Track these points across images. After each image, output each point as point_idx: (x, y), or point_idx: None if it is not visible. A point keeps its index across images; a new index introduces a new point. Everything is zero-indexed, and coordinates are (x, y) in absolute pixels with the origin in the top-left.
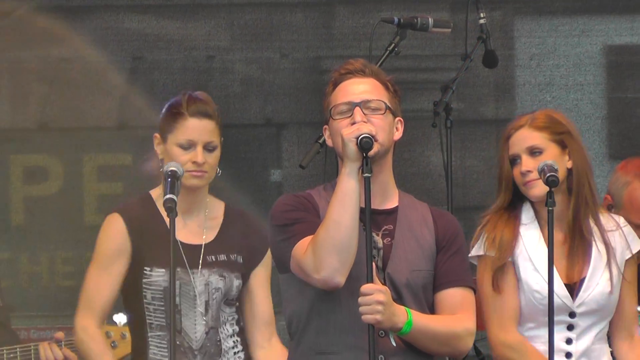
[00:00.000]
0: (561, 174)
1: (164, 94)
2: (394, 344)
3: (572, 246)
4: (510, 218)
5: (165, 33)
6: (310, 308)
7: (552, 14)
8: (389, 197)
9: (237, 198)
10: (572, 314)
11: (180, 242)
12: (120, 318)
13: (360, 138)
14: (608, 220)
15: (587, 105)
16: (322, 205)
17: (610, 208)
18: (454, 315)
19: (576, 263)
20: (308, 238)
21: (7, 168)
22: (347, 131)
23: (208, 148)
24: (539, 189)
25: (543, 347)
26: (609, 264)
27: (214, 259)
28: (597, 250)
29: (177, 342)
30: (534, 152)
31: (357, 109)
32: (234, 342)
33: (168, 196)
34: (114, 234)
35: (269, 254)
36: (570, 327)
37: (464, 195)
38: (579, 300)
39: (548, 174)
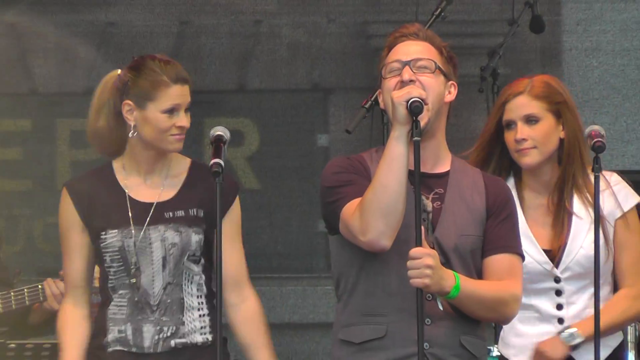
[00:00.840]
0: (553, 144)
1: (211, 58)
2: (441, 308)
3: (556, 213)
4: None
5: None
6: (359, 270)
7: None
8: (441, 161)
9: (283, 163)
10: (557, 279)
11: (134, 199)
12: None
13: (410, 102)
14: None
15: (633, 70)
16: (374, 168)
17: None
18: (501, 281)
19: (558, 228)
20: (357, 200)
21: (54, 132)
22: (397, 94)
23: (186, 111)
24: (532, 158)
25: (534, 315)
26: (594, 226)
27: (171, 215)
28: (580, 213)
29: (136, 299)
30: (530, 120)
31: (407, 67)
32: (199, 303)
33: (215, 160)
34: (62, 209)
35: (235, 206)
36: (558, 293)
37: None
38: (562, 265)
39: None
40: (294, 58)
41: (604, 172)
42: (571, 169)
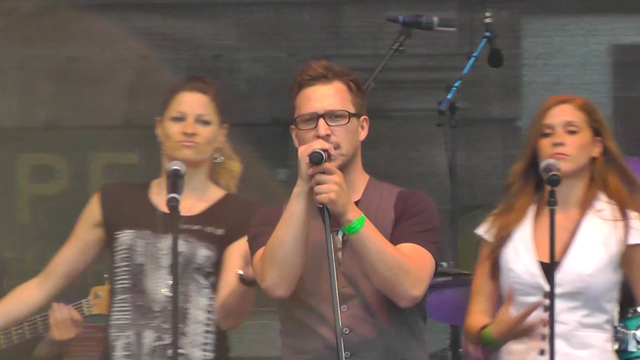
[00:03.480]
0: (585, 159)
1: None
2: (340, 239)
3: (570, 229)
4: (524, 204)
5: (172, 32)
6: (286, 310)
7: (558, 13)
8: (355, 191)
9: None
10: (546, 295)
11: (161, 210)
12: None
13: (310, 154)
14: (618, 211)
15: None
16: None
17: None
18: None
19: (562, 242)
20: (263, 249)
21: (14, 167)
22: (301, 149)
23: (200, 121)
24: (564, 165)
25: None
26: (595, 248)
27: (186, 227)
28: (586, 234)
29: (140, 303)
30: (570, 129)
31: (321, 120)
32: (207, 318)
33: (171, 195)
34: (88, 206)
35: None
36: (546, 309)
37: (470, 194)
38: (555, 281)
39: (551, 173)
40: (254, 92)
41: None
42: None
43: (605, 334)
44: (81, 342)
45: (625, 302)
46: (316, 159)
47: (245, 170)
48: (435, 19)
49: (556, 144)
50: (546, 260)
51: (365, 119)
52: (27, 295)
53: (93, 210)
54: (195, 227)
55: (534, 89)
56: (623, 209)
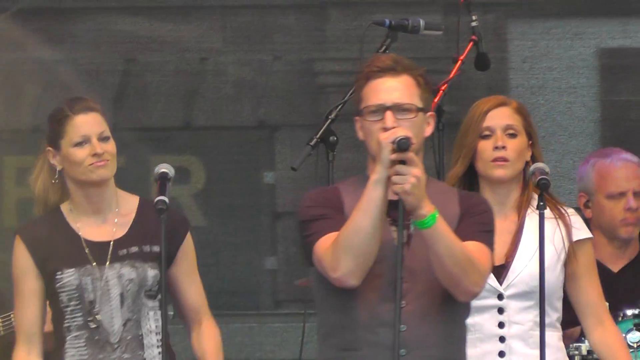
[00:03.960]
0: (521, 164)
1: (157, 95)
2: (392, 229)
3: (514, 231)
4: None
5: (158, 35)
6: (334, 304)
7: (545, 16)
8: None
9: (229, 201)
10: (500, 296)
11: (88, 240)
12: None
13: (397, 140)
14: (556, 210)
15: (580, 108)
16: (348, 202)
17: (587, 205)
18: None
19: (507, 244)
20: (330, 235)
21: (0, 169)
22: (384, 135)
23: (101, 138)
24: (505, 171)
25: (475, 336)
26: (541, 246)
27: (125, 252)
28: (530, 233)
29: (96, 337)
30: (510, 132)
31: (389, 113)
32: (157, 340)
33: (160, 198)
34: (16, 256)
35: (187, 240)
36: (500, 311)
37: None
38: (506, 281)
39: (540, 177)
40: (240, 95)
41: (562, 206)
42: (531, 191)
43: (558, 332)
44: None
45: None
46: (405, 145)
47: (232, 174)
48: (422, 23)
49: (497, 147)
50: (497, 262)
51: (431, 115)
52: None
53: (25, 260)
54: (133, 249)
55: (520, 93)
56: (555, 206)
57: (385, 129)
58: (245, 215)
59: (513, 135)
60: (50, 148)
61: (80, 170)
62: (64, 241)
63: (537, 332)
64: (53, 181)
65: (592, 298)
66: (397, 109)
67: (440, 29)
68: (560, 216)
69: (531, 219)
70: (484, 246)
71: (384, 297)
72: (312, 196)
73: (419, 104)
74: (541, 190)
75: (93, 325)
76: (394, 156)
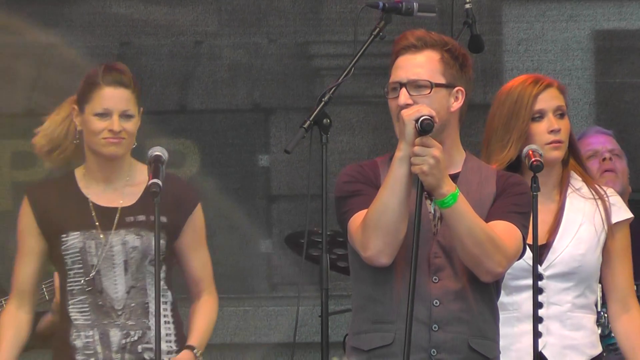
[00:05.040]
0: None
1: (152, 79)
2: (431, 211)
3: (555, 211)
4: None
5: (153, 18)
6: (369, 277)
7: None
8: (453, 164)
9: (224, 184)
10: (540, 276)
11: (97, 205)
12: None
13: (420, 120)
14: (595, 189)
15: (575, 90)
16: (384, 176)
17: None
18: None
19: (548, 224)
20: (362, 212)
21: None
22: (407, 112)
23: (124, 116)
24: (560, 152)
25: (513, 315)
26: (583, 227)
27: (132, 219)
28: (571, 213)
29: (100, 303)
30: (559, 113)
31: (403, 89)
32: (163, 309)
33: (153, 181)
34: (21, 213)
35: (196, 213)
36: (539, 291)
37: None
38: (546, 262)
39: (533, 159)
40: (235, 79)
41: (599, 185)
42: (579, 164)
43: (594, 316)
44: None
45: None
46: (428, 127)
47: (227, 157)
48: (415, 5)
49: (554, 131)
50: (539, 242)
51: (460, 90)
52: (18, 323)
53: (28, 219)
54: (140, 217)
55: (515, 75)
56: (593, 186)
57: (399, 106)
58: (240, 198)
59: (562, 116)
60: (75, 107)
61: (94, 140)
62: (72, 204)
63: (576, 314)
64: (75, 141)
65: (621, 282)
66: (412, 85)
67: (433, 11)
68: (600, 196)
69: (571, 199)
70: (514, 227)
71: (418, 270)
72: (348, 171)
73: (440, 80)
74: (534, 172)
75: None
76: (417, 140)
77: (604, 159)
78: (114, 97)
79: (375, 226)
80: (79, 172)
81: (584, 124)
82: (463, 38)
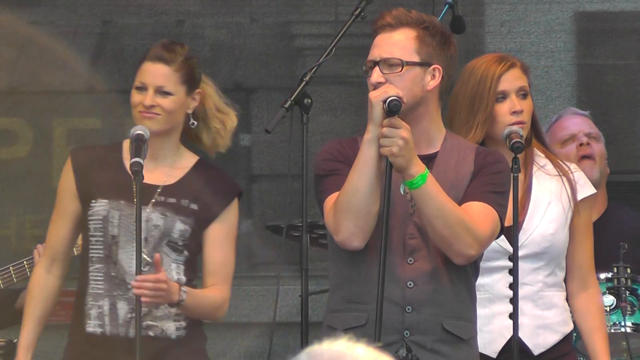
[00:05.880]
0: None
1: (134, 58)
2: (402, 193)
3: (522, 191)
4: None
5: None
6: (344, 257)
7: None
8: (432, 143)
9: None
10: (511, 257)
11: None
12: None
13: (388, 101)
14: (559, 165)
15: (557, 72)
16: None
17: None
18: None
19: (521, 206)
20: (337, 193)
21: None
22: (374, 94)
23: (160, 92)
24: (524, 132)
25: (485, 296)
26: (551, 205)
27: (163, 199)
28: (539, 192)
29: (113, 274)
30: (523, 93)
31: (375, 68)
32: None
33: (134, 159)
34: (63, 173)
35: (231, 209)
36: (511, 272)
37: None
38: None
39: (514, 140)
40: (217, 58)
41: (562, 160)
42: (539, 141)
43: (564, 293)
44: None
45: None
46: (396, 108)
47: None
48: None
49: (516, 112)
50: (506, 224)
51: (437, 68)
52: (48, 287)
53: (68, 180)
54: (171, 199)
55: None
56: (556, 162)
57: (374, 85)
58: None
59: (525, 96)
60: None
61: (133, 113)
62: (111, 173)
63: (547, 293)
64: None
65: (582, 260)
66: (385, 63)
67: None
68: (564, 173)
69: (538, 177)
70: (489, 207)
71: (393, 251)
72: (327, 149)
73: (413, 58)
74: (515, 154)
75: (108, 260)
76: (385, 122)
77: (581, 144)
78: (151, 72)
79: (346, 209)
80: (126, 144)
81: (566, 106)
82: (445, 19)
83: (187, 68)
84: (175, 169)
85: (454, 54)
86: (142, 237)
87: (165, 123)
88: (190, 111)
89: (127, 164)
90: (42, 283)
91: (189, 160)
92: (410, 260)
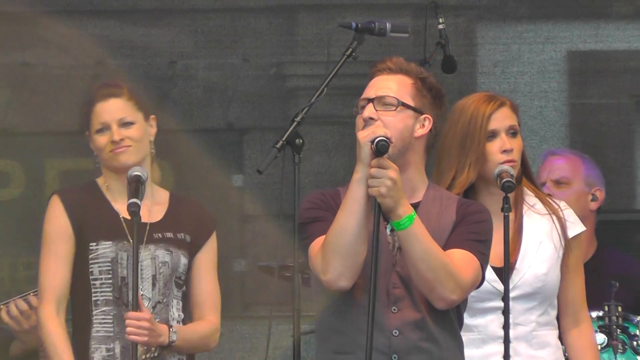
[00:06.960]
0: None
1: None
2: (388, 233)
3: (513, 230)
4: None
5: (129, 39)
6: (330, 306)
7: (516, 20)
8: (415, 193)
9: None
10: (504, 298)
11: (125, 218)
12: None
13: (376, 141)
14: (549, 204)
15: (551, 112)
16: None
17: None
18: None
19: (513, 246)
20: (322, 237)
21: None
22: (362, 134)
23: (122, 124)
24: (514, 171)
25: (478, 336)
26: (543, 245)
27: (160, 236)
28: (530, 232)
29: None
30: (512, 132)
31: (370, 104)
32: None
33: (132, 200)
34: (54, 215)
35: (213, 238)
36: (504, 312)
37: None
38: (511, 284)
39: (505, 180)
40: (210, 99)
41: (551, 198)
42: (530, 182)
43: (557, 331)
44: None
45: None
46: (383, 149)
47: (201, 177)
48: (388, 25)
49: (506, 151)
50: (498, 264)
51: (427, 117)
52: (64, 328)
53: (60, 222)
54: (168, 234)
55: None
56: (546, 200)
57: (363, 119)
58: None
59: (514, 135)
60: (86, 134)
61: (103, 156)
62: (102, 213)
63: (541, 332)
64: (96, 165)
65: (574, 297)
66: (380, 101)
67: (406, 32)
68: (554, 211)
69: (529, 217)
70: (471, 255)
71: (377, 300)
72: (310, 198)
73: (408, 101)
74: (506, 193)
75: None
76: (374, 162)
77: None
78: (107, 110)
79: (334, 249)
80: (101, 182)
81: (559, 146)
82: (436, 59)
83: (135, 96)
84: (156, 204)
85: (444, 113)
86: (151, 275)
87: (138, 153)
88: (152, 138)
89: (113, 204)
90: (62, 326)
91: (163, 193)
92: (395, 309)
